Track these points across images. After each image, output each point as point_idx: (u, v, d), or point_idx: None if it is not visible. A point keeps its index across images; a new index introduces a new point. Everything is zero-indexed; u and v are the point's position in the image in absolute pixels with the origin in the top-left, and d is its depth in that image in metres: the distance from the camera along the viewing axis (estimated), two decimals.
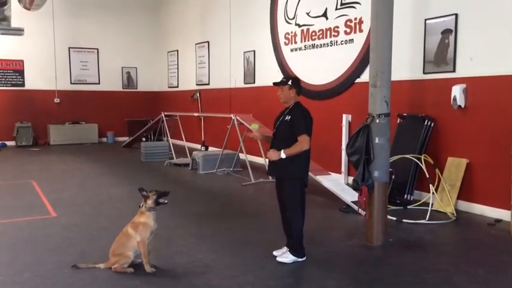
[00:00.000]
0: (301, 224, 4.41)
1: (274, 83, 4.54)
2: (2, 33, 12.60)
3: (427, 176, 6.19)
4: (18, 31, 12.48)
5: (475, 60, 6.18)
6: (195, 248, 4.80)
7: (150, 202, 4.19)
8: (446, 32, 6.49)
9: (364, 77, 7.61)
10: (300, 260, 4.41)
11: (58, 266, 4.24)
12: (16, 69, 14.39)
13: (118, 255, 4.12)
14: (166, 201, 4.25)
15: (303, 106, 4.42)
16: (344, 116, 8.21)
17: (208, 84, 13.18)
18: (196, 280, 3.99)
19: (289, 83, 4.37)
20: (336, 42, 8.52)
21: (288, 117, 4.31)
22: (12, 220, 5.89)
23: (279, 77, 9.83)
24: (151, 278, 4.02)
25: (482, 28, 6.08)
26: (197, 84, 13.74)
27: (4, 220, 5.88)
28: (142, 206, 4.21)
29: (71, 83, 15.23)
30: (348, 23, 8.23)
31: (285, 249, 4.52)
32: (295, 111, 4.33)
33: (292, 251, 4.42)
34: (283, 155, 4.19)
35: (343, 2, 8.31)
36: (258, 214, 6.34)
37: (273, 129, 4.57)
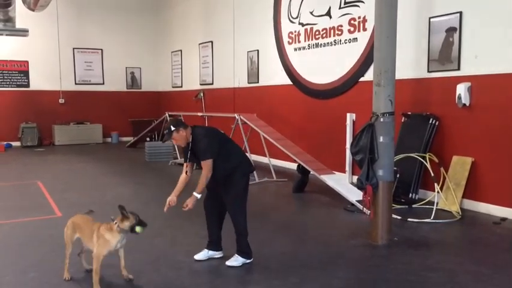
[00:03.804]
0: (245, 218, 4.28)
1: (164, 142, 4.55)
2: (6, 34, 12.69)
3: (432, 174, 6.16)
4: (23, 32, 12.57)
5: (480, 58, 6.16)
6: (199, 247, 4.79)
7: (126, 224, 3.74)
8: (450, 30, 6.46)
9: (368, 75, 7.59)
10: (248, 261, 4.27)
11: (63, 266, 4.24)
12: (21, 70, 14.45)
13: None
14: (138, 233, 3.77)
15: (199, 129, 4.28)
16: (348, 115, 8.19)
17: (212, 84, 13.19)
18: (200, 279, 4.00)
19: (173, 129, 4.18)
20: (340, 41, 8.50)
21: (192, 152, 4.28)
22: (18, 220, 5.92)
23: (282, 76, 9.97)
24: (156, 276, 4.02)
25: (486, 26, 6.05)
26: (201, 84, 13.75)
27: (10, 220, 5.91)
28: (116, 223, 3.75)
29: (76, 84, 15.29)
30: (352, 21, 8.21)
31: None
32: (194, 141, 4.23)
33: (240, 253, 4.27)
34: (197, 196, 4.15)
35: (346, 0, 8.28)
36: (262, 213, 6.32)
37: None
